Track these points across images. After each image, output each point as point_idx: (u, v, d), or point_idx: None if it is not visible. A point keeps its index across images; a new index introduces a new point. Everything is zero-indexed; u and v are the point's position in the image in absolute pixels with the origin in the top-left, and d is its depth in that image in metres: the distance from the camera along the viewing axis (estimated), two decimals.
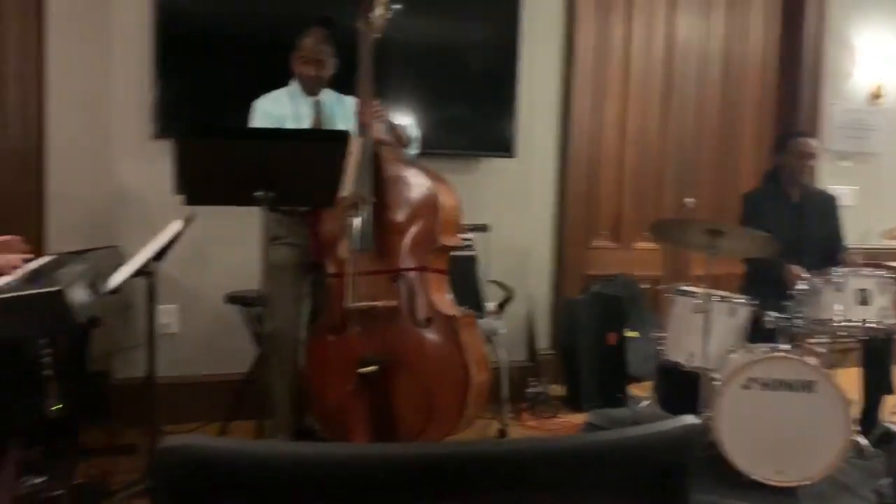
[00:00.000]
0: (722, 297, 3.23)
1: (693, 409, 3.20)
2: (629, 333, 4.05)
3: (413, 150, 3.01)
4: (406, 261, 2.72)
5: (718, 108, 4.65)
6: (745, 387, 2.86)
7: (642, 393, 3.90)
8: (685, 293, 3.34)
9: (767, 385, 2.85)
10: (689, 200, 4.61)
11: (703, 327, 3.10)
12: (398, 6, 2.82)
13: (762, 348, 2.99)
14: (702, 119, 4.60)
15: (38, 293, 2.11)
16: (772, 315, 3.19)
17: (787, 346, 3.03)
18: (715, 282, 3.32)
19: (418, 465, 0.73)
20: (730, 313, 3.20)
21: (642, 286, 4.41)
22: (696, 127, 4.60)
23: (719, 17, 4.58)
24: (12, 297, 2.15)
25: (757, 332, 3.20)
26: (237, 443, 0.78)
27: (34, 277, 2.42)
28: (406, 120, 3.21)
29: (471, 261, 3.52)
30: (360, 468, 0.76)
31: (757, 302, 3.21)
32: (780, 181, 3.71)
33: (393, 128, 2.87)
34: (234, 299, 3.19)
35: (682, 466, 0.86)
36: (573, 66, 4.18)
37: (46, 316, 2.10)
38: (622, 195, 4.44)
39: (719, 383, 2.94)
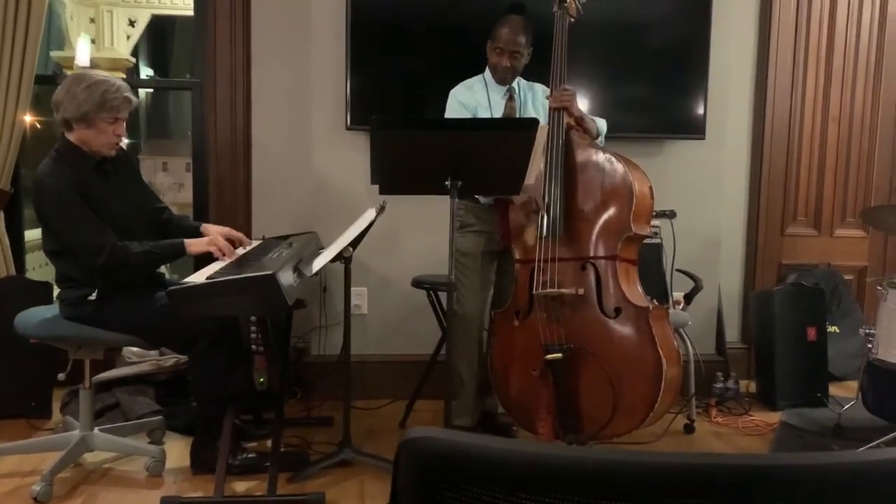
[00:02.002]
0: None
1: None
2: (830, 328, 3.75)
3: (600, 139, 2.94)
4: (596, 249, 2.66)
5: None
6: None
7: (845, 393, 3.60)
8: None
9: None
10: None
11: None
12: None
13: None
14: None
15: (254, 276, 2.29)
16: None
17: None
18: None
19: (680, 476, 0.71)
20: None
21: (845, 277, 4.07)
22: None
23: None
24: (230, 279, 2.35)
25: None
26: (474, 438, 0.80)
27: (244, 261, 2.64)
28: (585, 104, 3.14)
29: (656, 248, 3.40)
30: (599, 474, 0.74)
31: None
32: None
33: (581, 118, 2.82)
34: (420, 283, 3.30)
35: None
36: (769, 36, 3.90)
37: (261, 298, 2.27)
38: (823, 177, 4.08)
39: None
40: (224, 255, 2.64)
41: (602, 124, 2.93)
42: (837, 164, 4.09)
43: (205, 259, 2.72)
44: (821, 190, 4.09)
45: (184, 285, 2.34)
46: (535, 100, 3.00)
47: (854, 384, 3.42)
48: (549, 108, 2.76)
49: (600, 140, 2.92)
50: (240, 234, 2.84)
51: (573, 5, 2.76)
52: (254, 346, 2.87)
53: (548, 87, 2.84)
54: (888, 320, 3.02)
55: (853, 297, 4.06)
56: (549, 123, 2.72)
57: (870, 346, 3.07)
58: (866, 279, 4.10)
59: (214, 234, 2.73)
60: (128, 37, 5.64)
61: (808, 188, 4.08)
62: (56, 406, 3.26)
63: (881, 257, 4.19)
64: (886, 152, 4.12)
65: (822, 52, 4.01)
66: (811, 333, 3.61)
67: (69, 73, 4.95)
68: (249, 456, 2.75)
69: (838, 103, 4.05)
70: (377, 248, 3.46)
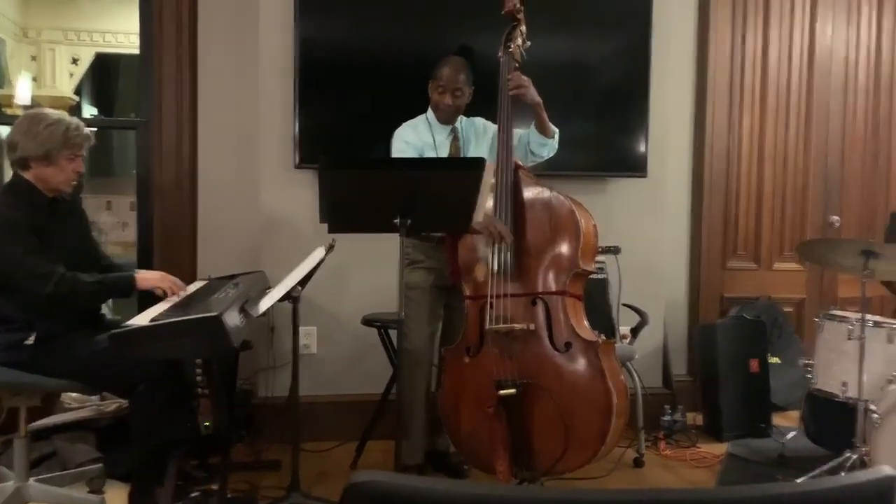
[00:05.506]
0: (876, 322, 3.01)
1: (847, 443, 3.00)
2: (771, 360, 3.85)
3: (553, 142, 2.99)
4: (546, 284, 2.70)
5: (865, 120, 4.37)
6: None
7: (788, 423, 3.69)
8: (835, 318, 3.13)
9: None
10: (834, 218, 4.37)
11: (857, 355, 2.89)
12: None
13: None
14: (847, 131, 4.34)
15: (198, 318, 2.25)
16: None
17: None
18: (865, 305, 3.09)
19: None
20: (888, 339, 2.97)
21: (784, 309, 4.19)
22: (840, 140, 4.34)
23: (866, 21, 4.31)
24: (174, 321, 2.30)
25: None
26: (419, 481, 0.80)
27: (189, 302, 2.59)
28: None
29: (602, 284, 3.46)
30: None
31: None
32: None
33: (541, 105, 2.86)
34: (371, 322, 3.28)
35: None
36: (706, 78, 4.06)
37: (206, 339, 2.23)
38: (761, 213, 4.24)
39: (877, 416, 2.73)
40: (172, 293, 2.61)
41: (556, 131, 2.99)
42: (774, 200, 4.25)
43: (148, 300, 2.66)
44: (759, 225, 4.24)
45: (127, 328, 2.29)
46: (478, 135, 3.06)
47: (796, 414, 3.51)
48: (505, 97, 2.78)
49: (554, 142, 2.97)
50: (177, 280, 2.74)
51: (517, 51, 2.84)
52: (199, 389, 2.80)
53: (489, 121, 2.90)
54: (826, 351, 3.12)
55: (793, 329, 4.19)
56: (496, 162, 2.76)
57: (809, 376, 3.16)
58: (804, 311, 4.24)
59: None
60: (71, 74, 5.56)
61: (746, 223, 4.22)
62: None
63: (818, 289, 4.34)
64: (819, 188, 4.30)
65: (756, 94, 4.19)
66: (754, 365, 3.70)
67: (9, 111, 4.85)
68: (193, 495, 2.66)
69: (773, 142, 4.23)
70: (326, 286, 3.43)
